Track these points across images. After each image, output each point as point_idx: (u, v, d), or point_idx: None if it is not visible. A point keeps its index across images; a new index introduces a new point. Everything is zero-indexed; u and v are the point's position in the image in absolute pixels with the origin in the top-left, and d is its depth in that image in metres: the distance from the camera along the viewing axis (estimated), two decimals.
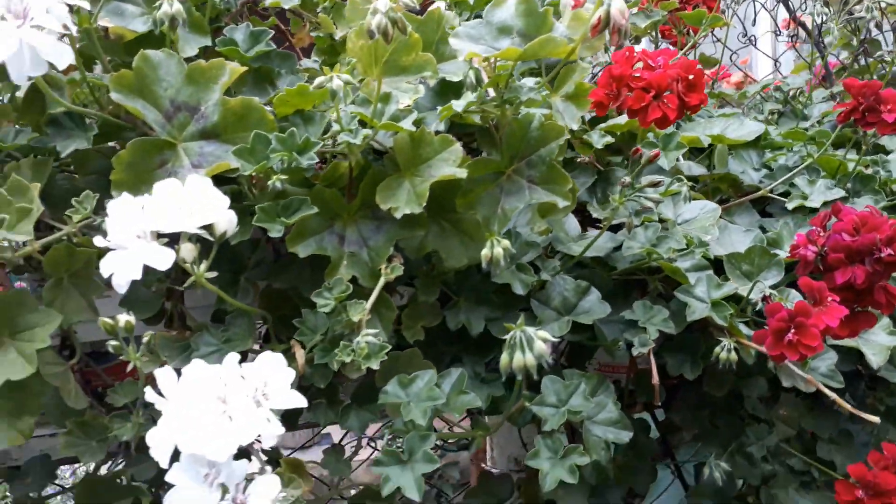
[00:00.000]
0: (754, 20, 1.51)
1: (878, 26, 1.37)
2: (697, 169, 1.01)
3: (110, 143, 0.70)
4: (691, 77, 0.68)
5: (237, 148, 0.61)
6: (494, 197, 0.70)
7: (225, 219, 0.54)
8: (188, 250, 0.51)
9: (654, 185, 0.65)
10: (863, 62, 1.70)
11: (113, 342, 0.57)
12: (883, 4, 1.62)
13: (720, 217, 0.89)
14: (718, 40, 1.46)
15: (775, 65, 1.58)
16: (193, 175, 0.56)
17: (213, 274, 0.55)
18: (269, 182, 0.61)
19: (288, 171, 0.63)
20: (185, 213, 0.51)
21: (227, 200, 0.54)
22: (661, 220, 0.84)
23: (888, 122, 0.80)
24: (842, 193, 0.89)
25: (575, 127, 0.77)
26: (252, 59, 0.73)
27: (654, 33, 1.07)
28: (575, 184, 0.77)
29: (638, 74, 0.68)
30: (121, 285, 0.51)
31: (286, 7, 0.73)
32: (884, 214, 0.88)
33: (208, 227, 0.53)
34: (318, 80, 0.60)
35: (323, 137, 0.64)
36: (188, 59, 0.70)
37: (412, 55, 0.69)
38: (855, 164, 0.95)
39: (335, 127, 0.63)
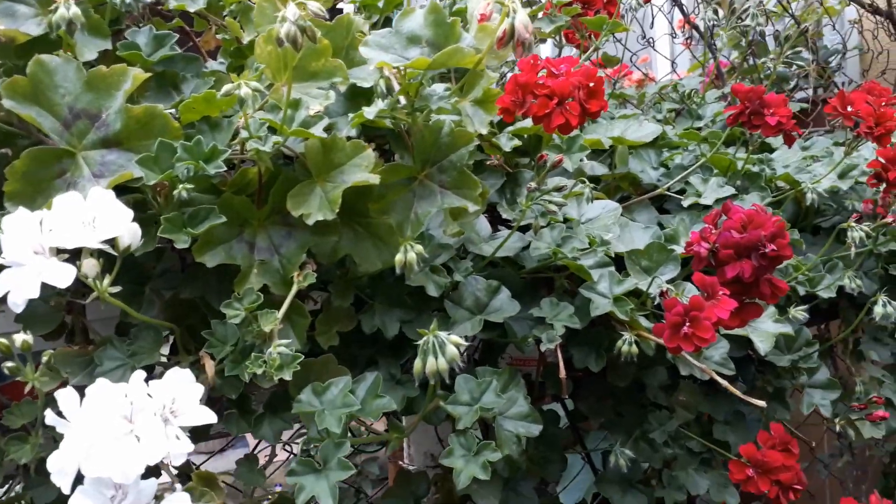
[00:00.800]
0: (652, 23, 1.58)
1: (762, 34, 1.46)
2: (600, 169, 1.05)
3: (2, 151, 0.67)
4: (592, 85, 0.71)
5: (141, 157, 0.59)
6: (407, 202, 0.71)
7: (129, 232, 0.53)
8: (90, 266, 0.50)
9: (559, 189, 0.68)
10: (752, 62, 1.81)
11: (9, 363, 0.55)
12: (767, 10, 1.73)
13: (621, 215, 0.93)
14: (619, 42, 1.52)
15: (672, 65, 1.65)
16: (96, 187, 0.54)
17: (117, 289, 0.53)
18: (175, 191, 0.60)
19: (194, 180, 0.62)
20: (86, 227, 0.49)
21: (130, 213, 0.53)
22: (566, 220, 0.87)
23: (771, 125, 0.86)
24: (732, 191, 0.95)
25: (484, 131, 0.79)
26: (155, 63, 0.71)
27: (558, 38, 1.10)
28: (485, 186, 0.80)
29: (542, 82, 0.71)
30: (17, 304, 0.49)
31: (191, 10, 0.72)
32: (769, 211, 0.95)
33: (111, 241, 0.52)
34: (225, 88, 0.59)
35: (231, 144, 0.64)
36: (87, 64, 0.67)
37: (322, 61, 0.69)
38: (743, 162, 1.02)
39: (244, 134, 0.63)
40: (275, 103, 0.65)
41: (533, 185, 0.66)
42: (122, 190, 0.65)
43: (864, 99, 0.87)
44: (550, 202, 0.67)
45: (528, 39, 0.50)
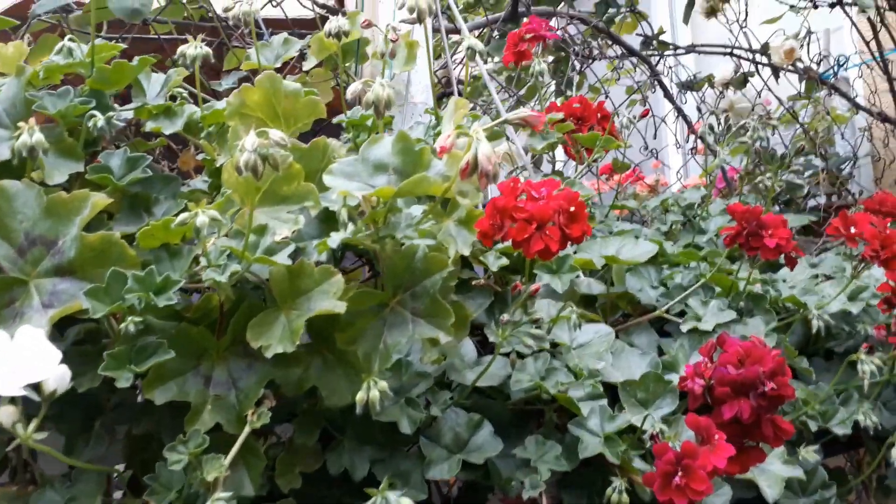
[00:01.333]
0: (655, 133, 1.58)
1: (767, 140, 1.45)
2: (597, 286, 1.01)
3: None
4: (573, 209, 0.68)
5: (90, 288, 0.56)
6: (377, 330, 0.67)
7: (55, 376, 0.49)
8: (7, 414, 0.46)
9: (535, 321, 0.64)
10: (762, 168, 1.80)
11: None
12: (773, 120, 1.73)
13: (617, 337, 0.88)
14: (622, 154, 1.52)
15: (678, 176, 1.64)
16: (25, 326, 0.51)
17: (42, 435, 0.49)
18: (122, 325, 0.56)
19: (150, 310, 0.59)
20: (7, 371, 0.46)
21: (58, 356, 0.49)
22: (555, 345, 0.82)
23: (770, 248, 0.82)
24: (732, 315, 0.90)
25: (467, 252, 0.76)
26: (128, 185, 0.70)
27: (552, 154, 1.09)
28: (467, 310, 0.76)
29: (521, 205, 0.68)
30: None
31: (167, 133, 0.71)
32: (773, 339, 0.89)
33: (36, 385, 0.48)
34: (181, 217, 0.57)
35: (191, 271, 0.61)
36: (57, 187, 0.66)
37: (294, 185, 0.67)
38: (746, 282, 0.97)
39: (204, 261, 0.60)
40: (239, 229, 0.63)
41: (506, 317, 0.62)
42: (75, 320, 0.62)
43: (868, 220, 0.83)
44: (528, 335, 0.63)
45: (492, 170, 0.48)
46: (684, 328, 0.91)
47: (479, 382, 0.75)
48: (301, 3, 1.22)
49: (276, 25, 1.18)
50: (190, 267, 0.60)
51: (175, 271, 0.60)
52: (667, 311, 0.95)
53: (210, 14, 1.06)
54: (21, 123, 0.59)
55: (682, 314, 0.96)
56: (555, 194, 0.70)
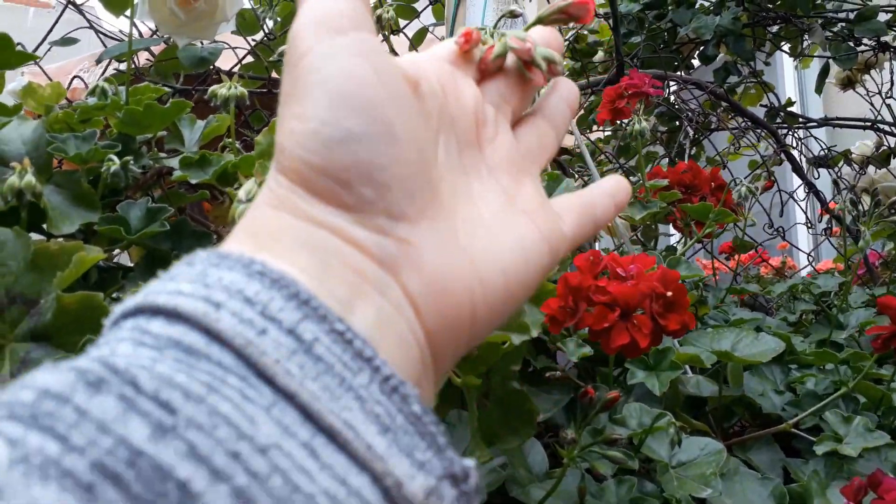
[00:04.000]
0: (781, 211, 1.38)
1: None
2: (707, 387, 0.83)
3: None
4: (670, 294, 0.53)
5: (55, 361, 0.46)
6: None
7: None
8: None
9: (611, 442, 0.48)
10: None
11: None
12: None
13: (732, 454, 0.70)
14: (742, 231, 1.33)
15: (809, 259, 1.42)
16: None
17: None
18: None
19: None
20: None
21: None
22: (649, 460, 0.66)
23: None
24: (886, 438, 0.70)
25: (535, 333, 0.61)
26: (147, 237, 0.61)
27: (654, 225, 0.94)
28: (534, 404, 0.61)
29: (602, 286, 0.53)
30: None
31: (193, 182, 0.63)
32: None
33: None
34: None
35: None
36: (65, 237, 0.58)
37: None
38: None
39: None
40: None
41: (570, 434, 0.47)
42: None
43: None
44: (602, 455, 0.47)
45: (530, 50, 0.33)
46: (819, 450, 0.71)
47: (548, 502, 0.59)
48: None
49: None
50: None
51: None
52: (796, 426, 0.76)
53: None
54: (14, 164, 0.51)
55: (815, 429, 0.76)
56: (647, 274, 0.55)
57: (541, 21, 0.36)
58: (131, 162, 0.58)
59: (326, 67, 0.25)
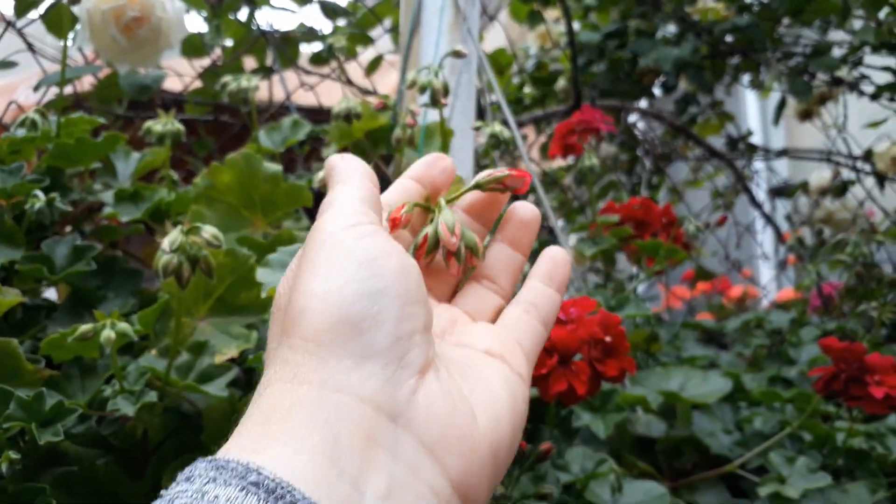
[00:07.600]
0: (738, 243, 1.39)
1: (871, 257, 1.24)
2: (657, 427, 0.82)
3: None
4: (609, 339, 0.52)
5: None
6: None
7: None
8: None
9: (543, 496, 0.47)
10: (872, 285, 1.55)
11: None
12: (879, 234, 1.51)
13: (677, 495, 0.70)
14: (696, 263, 1.34)
15: (762, 293, 1.43)
16: None
17: None
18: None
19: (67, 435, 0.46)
20: None
21: None
22: None
23: (877, 399, 0.62)
24: (828, 479, 0.69)
25: None
26: (71, 276, 0.59)
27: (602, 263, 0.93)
28: None
29: None
30: None
31: (123, 220, 0.60)
32: None
33: None
34: (82, 329, 0.44)
35: (100, 396, 0.48)
36: None
37: (254, 291, 0.54)
38: (846, 434, 0.76)
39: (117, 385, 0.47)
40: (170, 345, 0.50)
41: (499, 490, 0.46)
42: None
43: None
44: None
45: (455, 244, 0.34)
46: (763, 492, 0.70)
47: None
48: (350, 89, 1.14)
49: (312, 114, 1.09)
50: (99, 390, 0.47)
51: (84, 393, 0.47)
52: (742, 466, 0.75)
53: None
54: None
55: (762, 469, 0.76)
56: (587, 318, 0.54)
57: (479, 187, 0.38)
58: (58, 199, 0.56)
59: (349, 241, 0.29)
